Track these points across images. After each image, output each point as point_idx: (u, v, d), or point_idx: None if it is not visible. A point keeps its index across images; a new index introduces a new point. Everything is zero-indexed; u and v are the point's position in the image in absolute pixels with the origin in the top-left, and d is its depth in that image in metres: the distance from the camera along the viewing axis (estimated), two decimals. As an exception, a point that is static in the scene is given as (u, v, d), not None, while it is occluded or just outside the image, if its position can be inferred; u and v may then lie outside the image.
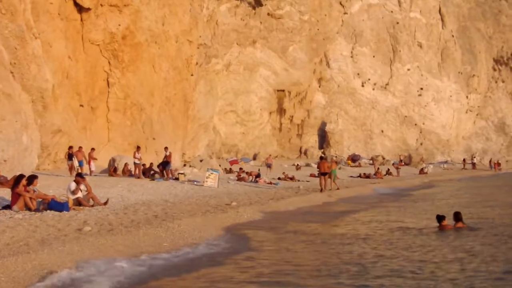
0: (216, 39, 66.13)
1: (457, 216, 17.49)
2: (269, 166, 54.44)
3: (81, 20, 40.94)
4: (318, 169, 36.28)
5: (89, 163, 34.54)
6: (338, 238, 16.61)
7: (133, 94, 43.96)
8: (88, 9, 40.73)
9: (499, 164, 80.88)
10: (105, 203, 19.96)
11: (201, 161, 46.93)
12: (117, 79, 43.16)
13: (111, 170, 35.10)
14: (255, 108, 75.08)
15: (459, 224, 17.27)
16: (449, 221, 17.41)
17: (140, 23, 43.92)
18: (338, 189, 34.87)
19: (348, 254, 13.66)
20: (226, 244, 15.03)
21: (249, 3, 73.41)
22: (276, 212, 22.82)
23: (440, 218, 17.53)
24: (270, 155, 64.60)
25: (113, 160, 36.53)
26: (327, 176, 33.67)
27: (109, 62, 42.82)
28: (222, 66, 69.64)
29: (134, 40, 43.65)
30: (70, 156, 33.26)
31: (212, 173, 31.63)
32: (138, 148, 35.63)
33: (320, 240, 16.18)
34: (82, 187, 19.80)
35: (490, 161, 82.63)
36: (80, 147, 34.44)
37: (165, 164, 34.72)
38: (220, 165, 47.60)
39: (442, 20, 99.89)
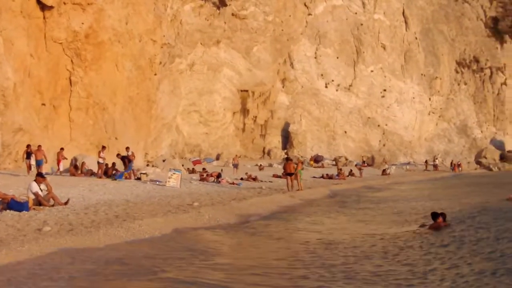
0: (180, 39, 66.42)
1: (440, 216, 17.19)
2: (235, 166, 55.06)
3: (44, 18, 40.86)
4: (284, 170, 37.04)
5: (58, 162, 34.82)
6: (296, 241, 16.77)
7: (95, 93, 43.98)
8: (51, 7, 40.70)
9: (459, 165, 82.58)
10: (66, 203, 20.10)
11: (163, 161, 47.34)
12: (80, 78, 43.17)
13: (73, 169, 35.27)
14: (218, 108, 75.15)
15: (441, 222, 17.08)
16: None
17: (103, 22, 44.00)
18: (301, 190, 35.01)
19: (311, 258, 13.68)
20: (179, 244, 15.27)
21: (214, 3, 73.43)
22: (239, 214, 22.77)
23: (434, 216, 17.26)
24: (236, 155, 65.16)
25: (75, 160, 36.81)
26: (293, 177, 34.42)
27: (71, 61, 42.79)
28: (186, 66, 69.81)
29: (97, 39, 43.73)
30: (28, 155, 33.32)
31: (174, 173, 31.87)
32: (103, 147, 36.06)
33: (280, 244, 16.31)
34: (43, 186, 19.92)
35: (451, 163, 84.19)
36: (39, 146, 34.35)
37: (125, 158, 34.94)
38: (183, 165, 48.06)
39: (406, 22, 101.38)
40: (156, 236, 16.03)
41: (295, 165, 35.47)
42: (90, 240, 14.10)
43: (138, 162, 42.54)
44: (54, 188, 20.84)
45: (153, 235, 16.02)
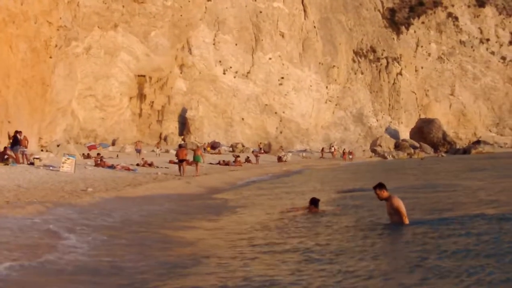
0: (77, 22, 65.82)
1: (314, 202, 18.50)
2: (138, 151, 56.38)
3: None
4: (176, 156, 39.36)
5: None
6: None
7: (-13, 75, 43.27)
8: None
9: (351, 153, 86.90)
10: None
11: (58, 146, 47.83)
12: (-29, 58, 42.47)
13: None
14: (115, 93, 75.10)
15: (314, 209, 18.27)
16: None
17: (-3, 1, 43.26)
18: (198, 175, 36.74)
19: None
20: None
21: None
22: (130, 197, 22.46)
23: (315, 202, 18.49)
24: (139, 140, 65.89)
25: (-35, 144, 36.68)
26: (185, 163, 36.87)
27: (-37, 41, 42.21)
28: (82, 50, 69.40)
29: (-10, 19, 43.08)
30: None
31: (68, 158, 31.90)
32: (-4, 131, 36.31)
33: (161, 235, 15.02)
34: None
35: (343, 151, 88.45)
36: None
37: (13, 145, 34.20)
38: (78, 150, 48.35)
39: (305, 10, 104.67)
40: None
41: (194, 151, 37.60)
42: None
43: (31, 147, 41.94)
44: None
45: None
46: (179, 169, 36.95)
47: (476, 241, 11.86)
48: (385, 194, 13.97)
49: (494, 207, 17.75)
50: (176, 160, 40.40)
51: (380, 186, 14.04)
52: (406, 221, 13.99)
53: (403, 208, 13.96)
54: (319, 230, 14.64)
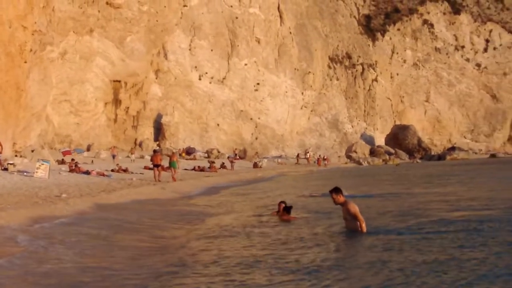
0: (52, 26, 65.57)
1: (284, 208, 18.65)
2: (114, 157, 56.56)
3: None
4: (151, 162, 39.80)
5: None
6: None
7: (-38, 79, 43.42)
8: None
9: (325, 160, 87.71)
10: None
11: (32, 151, 47.70)
12: None
13: None
14: (90, 98, 74.97)
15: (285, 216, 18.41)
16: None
17: (-29, 5, 43.51)
18: (174, 181, 37.50)
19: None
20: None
21: None
22: (107, 205, 22.37)
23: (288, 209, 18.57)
24: (114, 146, 66.39)
25: None
26: (160, 168, 37.42)
27: None
28: (58, 54, 69.12)
29: (-36, 23, 43.35)
30: None
31: (42, 164, 31.84)
32: (-31, 136, 36.42)
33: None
34: None
35: (318, 157, 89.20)
36: None
37: None
38: (52, 156, 48.16)
39: (281, 17, 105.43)
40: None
41: (170, 157, 38.07)
42: None
43: (5, 152, 41.92)
44: None
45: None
46: (154, 174, 37.32)
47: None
48: (341, 199, 14.01)
49: (460, 214, 17.81)
50: (151, 166, 40.72)
51: (336, 190, 14.08)
52: (364, 228, 14.00)
53: (360, 214, 14.00)
54: (287, 239, 14.55)
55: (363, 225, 14.03)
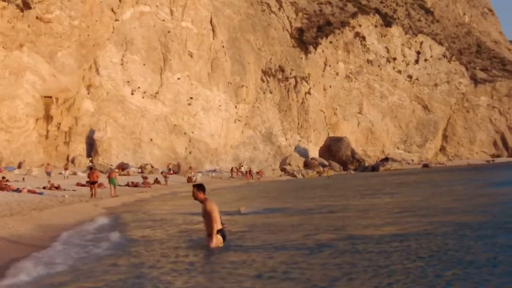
0: None
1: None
2: (49, 174, 56.97)
3: None
4: (88, 179, 40.79)
5: None
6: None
7: None
8: None
9: (258, 173, 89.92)
10: None
11: None
12: None
13: None
14: (20, 115, 74.03)
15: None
16: None
17: None
18: (115, 196, 39.00)
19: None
20: None
21: (17, 6, 73.22)
22: (40, 224, 21.11)
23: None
24: (48, 163, 66.47)
25: None
26: (96, 185, 38.91)
27: None
28: None
29: None
30: None
31: None
32: None
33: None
34: None
35: (246, 171, 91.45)
36: None
37: None
38: None
39: (213, 30, 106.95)
40: None
41: (109, 174, 39.43)
42: None
43: None
44: None
45: None
46: (91, 192, 38.59)
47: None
48: (200, 195, 14.45)
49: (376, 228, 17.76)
50: (85, 182, 41.84)
51: (199, 186, 14.67)
52: (215, 227, 14.15)
53: (215, 212, 14.15)
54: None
55: (215, 225, 14.19)
